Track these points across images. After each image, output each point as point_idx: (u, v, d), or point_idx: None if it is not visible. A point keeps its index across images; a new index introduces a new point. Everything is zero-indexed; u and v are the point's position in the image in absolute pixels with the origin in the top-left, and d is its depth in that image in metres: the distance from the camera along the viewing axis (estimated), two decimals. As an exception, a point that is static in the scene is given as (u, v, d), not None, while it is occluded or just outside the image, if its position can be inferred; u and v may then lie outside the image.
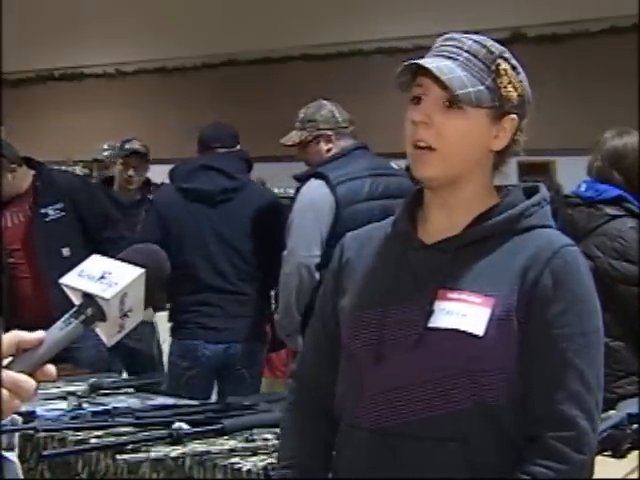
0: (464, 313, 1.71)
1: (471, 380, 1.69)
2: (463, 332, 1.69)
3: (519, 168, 7.26)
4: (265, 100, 9.99)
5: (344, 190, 3.72)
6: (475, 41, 1.77)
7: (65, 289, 1.36)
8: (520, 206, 1.79)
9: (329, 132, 3.96)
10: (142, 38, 10.65)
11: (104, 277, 1.34)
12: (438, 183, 1.78)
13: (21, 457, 2.77)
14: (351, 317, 1.82)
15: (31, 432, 2.79)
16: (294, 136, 4.03)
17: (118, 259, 1.37)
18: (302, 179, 3.91)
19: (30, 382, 1.22)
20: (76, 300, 1.35)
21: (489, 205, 1.80)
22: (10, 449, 2.63)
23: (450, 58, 1.75)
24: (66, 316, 1.32)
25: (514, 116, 1.78)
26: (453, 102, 1.72)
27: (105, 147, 6.43)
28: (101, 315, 1.33)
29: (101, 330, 1.36)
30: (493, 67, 1.75)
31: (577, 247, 1.79)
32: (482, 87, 1.73)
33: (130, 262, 1.37)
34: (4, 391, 1.20)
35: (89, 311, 1.32)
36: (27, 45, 10.66)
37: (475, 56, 1.75)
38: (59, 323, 1.31)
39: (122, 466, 2.65)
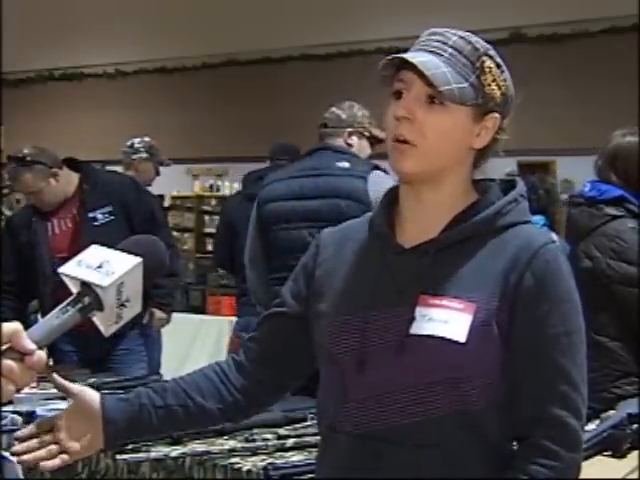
0: (446, 320, 1.67)
1: (453, 387, 1.67)
2: (445, 339, 1.66)
3: (519, 168, 7.28)
4: (265, 100, 9.99)
5: (267, 190, 3.89)
6: (460, 37, 1.72)
7: (64, 278, 1.36)
8: (497, 204, 1.75)
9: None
10: (142, 38, 10.66)
11: (102, 266, 1.35)
12: (416, 178, 1.73)
13: (21, 457, 2.76)
14: (332, 323, 1.78)
15: (31, 432, 2.78)
16: None
17: (117, 249, 1.38)
18: None
19: (23, 368, 1.22)
20: (74, 289, 1.35)
21: (467, 203, 1.77)
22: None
23: (434, 53, 1.69)
24: (63, 304, 1.32)
25: (497, 115, 1.73)
26: (435, 98, 1.67)
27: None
28: (98, 304, 1.33)
29: (98, 319, 1.36)
30: (478, 64, 1.70)
31: (557, 243, 1.75)
32: (466, 84, 1.68)
33: (129, 252, 1.37)
34: None
35: (86, 299, 1.33)
36: (27, 45, 10.67)
37: (460, 52, 1.70)
38: (56, 311, 1.31)
39: (122, 466, 2.65)
